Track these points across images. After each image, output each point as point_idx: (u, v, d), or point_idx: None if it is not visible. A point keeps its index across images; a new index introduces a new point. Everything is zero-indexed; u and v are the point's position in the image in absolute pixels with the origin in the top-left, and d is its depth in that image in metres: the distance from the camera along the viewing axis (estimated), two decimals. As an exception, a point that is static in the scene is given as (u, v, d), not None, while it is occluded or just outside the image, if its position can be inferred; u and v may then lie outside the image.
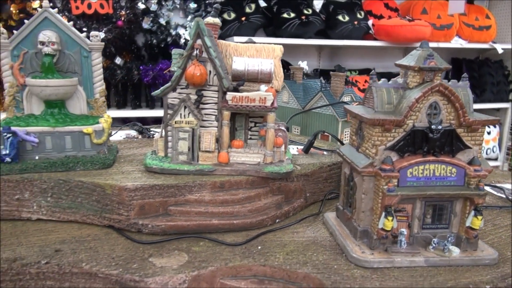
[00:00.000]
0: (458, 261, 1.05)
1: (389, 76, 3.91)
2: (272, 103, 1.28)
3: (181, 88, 1.28)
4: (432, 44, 3.56)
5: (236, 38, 3.07)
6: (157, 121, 3.04)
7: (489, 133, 4.01)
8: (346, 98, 1.93)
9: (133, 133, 1.81)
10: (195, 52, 1.22)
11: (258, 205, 1.25)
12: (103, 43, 1.35)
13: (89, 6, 2.70)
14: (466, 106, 1.05)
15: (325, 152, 1.63)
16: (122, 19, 2.81)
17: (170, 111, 1.29)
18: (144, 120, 2.78)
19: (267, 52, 1.39)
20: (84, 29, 2.67)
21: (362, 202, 1.09)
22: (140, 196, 1.15)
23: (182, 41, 3.08)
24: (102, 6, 2.74)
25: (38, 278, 1.00)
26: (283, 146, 1.38)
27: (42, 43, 1.27)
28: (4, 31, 1.26)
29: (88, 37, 1.33)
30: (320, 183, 1.45)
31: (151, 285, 0.95)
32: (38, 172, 1.21)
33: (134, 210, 1.15)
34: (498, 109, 4.07)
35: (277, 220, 1.28)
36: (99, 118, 1.34)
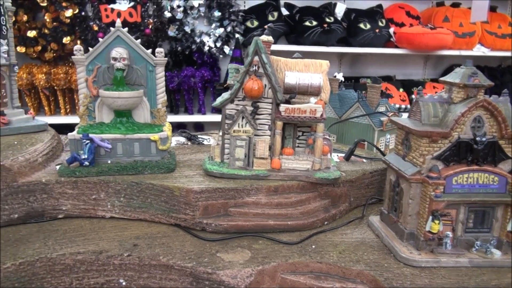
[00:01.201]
0: (500, 262, 1.14)
1: (410, 83, 3.93)
2: (322, 115, 1.39)
3: (238, 100, 1.41)
4: (454, 52, 3.64)
5: None
6: (180, 126, 3.15)
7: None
8: (381, 109, 2.03)
9: (181, 139, 1.95)
10: (253, 68, 1.34)
11: (309, 208, 1.36)
12: (166, 58, 1.49)
13: (119, 14, 2.87)
14: (507, 120, 1.14)
15: (364, 160, 1.74)
16: (150, 27, 2.96)
17: (228, 121, 1.41)
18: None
19: (315, 67, 1.51)
20: None
21: (409, 207, 1.19)
22: (204, 198, 1.28)
23: (206, 48, 3.21)
24: (131, 14, 2.90)
25: (121, 269, 1.14)
26: (329, 154, 1.49)
27: (115, 59, 1.41)
28: (81, 48, 1.41)
29: (153, 53, 1.47)
30: (363, 189, 1.56)
31: (222, 277, 1.07)
32: (111, 175, 1.35)
33: (199, 210, 1.28)
34: None
35: (326, 222, 1.38)
36: (162, 126, 1.47)
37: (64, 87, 2.85)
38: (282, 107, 1.39)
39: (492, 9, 3.89)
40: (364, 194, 1.57)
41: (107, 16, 2.86)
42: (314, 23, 3.25)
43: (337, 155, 1.77)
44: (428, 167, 1.14)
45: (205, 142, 1.90)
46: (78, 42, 2.91)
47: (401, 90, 3.67)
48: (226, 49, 3.29)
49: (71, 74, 2.83)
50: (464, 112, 1.12)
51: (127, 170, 1.38)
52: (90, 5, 2.86)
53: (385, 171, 1.59)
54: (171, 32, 3.12)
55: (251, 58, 1.35)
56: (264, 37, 1.42)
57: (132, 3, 2.91)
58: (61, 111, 2.91)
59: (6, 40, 1.58)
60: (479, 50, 3.70)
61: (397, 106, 3.42)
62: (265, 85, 1.39)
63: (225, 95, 1.44)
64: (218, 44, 3.27)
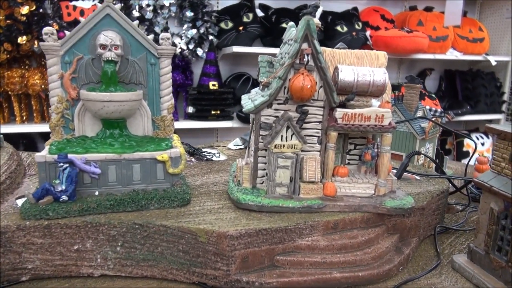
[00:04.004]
0: None
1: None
2: (390, 122, 1.04)
3: (278, 104, 1.03)
4: (428, 56, 3.49)
5: (234, 48, 2.90)
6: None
7: (483, 144, 3.91)
8: (419, 113, 1.71)
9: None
10: (305, 59, 0.97)
11: (380, 249, 1.00)
12: (175, 47, 1.09)
13: (82, 13, 2.53)
14: None
15: (417, 177, 1.40)
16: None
17: (263, 132, 1.03)
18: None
19: (370, 60, 1.16)
20: None
21: (535, 250, 0.85)
22: (244, 245, 0.89)
23: (178, 50, 2.90)
24: (95, 13, 2.55)
25: None
26: (391, 173, 1.14)
27: (104, 47, 0.99)
28: (54, 30, 0.99)
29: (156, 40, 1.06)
30: (429, 216, 1.21)
31: None
32: (102, 213, 0.93)
33: (235, 263, 0.88)
34: (490, 120, 3.98)
35: (401, 268, 1.02)
36: (170, 141, 1.07)
37: (20, 92, 2.46)
38: (339, 112, 1.02)
39: (463, 13, 3.83)
40: (430, 223, 1.23)
41: (69, 14, 2.50)
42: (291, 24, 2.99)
43: (385, 172, 1.42)
44: None
45: (214, 158, 1.50)
46: (36, 42, 2.49)
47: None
48: (199, 52, 2.99)
49: (27, 78, 2.45)
50: None
51: (124, 205, 0.96)
52: (49, 1, 2.49)
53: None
54: None
55: (299, 45, 0.98)
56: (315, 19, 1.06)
57: (96, 1, 2.54)
58: (16, 119, 2.46)
59: None
60: (452, 54, 3.67)
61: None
62: (316, 83, 1.02)
63: (258, 97, 1.06)
64: (191, 46, 2.97)
